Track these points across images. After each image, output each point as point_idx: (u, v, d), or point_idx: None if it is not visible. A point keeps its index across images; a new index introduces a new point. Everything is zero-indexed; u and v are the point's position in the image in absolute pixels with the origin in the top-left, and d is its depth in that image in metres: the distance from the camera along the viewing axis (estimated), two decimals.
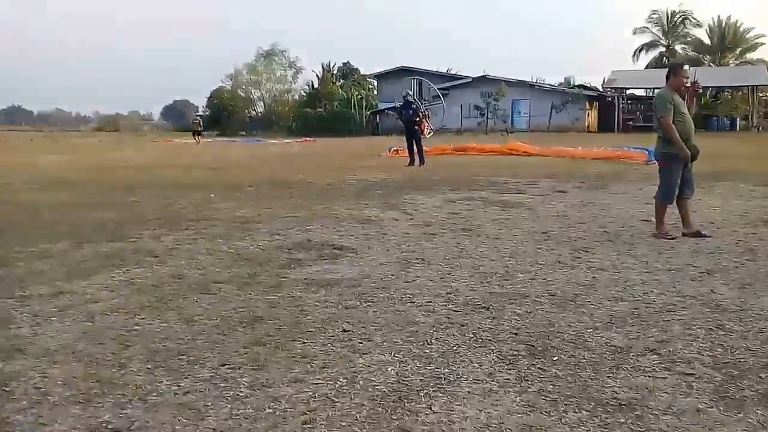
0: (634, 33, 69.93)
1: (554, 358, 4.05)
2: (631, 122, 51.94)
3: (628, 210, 10.27)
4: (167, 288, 5.72)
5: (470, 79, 58.97)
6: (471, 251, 7.26)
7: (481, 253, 7.14)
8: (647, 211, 9.16)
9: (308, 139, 48.64)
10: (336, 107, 65.51)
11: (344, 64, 76.42)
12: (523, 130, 54.57)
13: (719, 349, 4.16)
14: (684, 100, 7.96)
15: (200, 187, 14.14)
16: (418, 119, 19.36)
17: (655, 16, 67.56)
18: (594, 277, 6.03)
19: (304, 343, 4.35)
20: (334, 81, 73.23)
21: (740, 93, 56.01)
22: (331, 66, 74.89)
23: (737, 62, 65.07)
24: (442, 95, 55.97)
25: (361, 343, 4.36)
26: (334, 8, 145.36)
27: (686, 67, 8.42)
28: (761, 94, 55.14)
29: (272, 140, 49.28)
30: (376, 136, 53.75)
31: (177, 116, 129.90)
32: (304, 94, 73.55)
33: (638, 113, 54.78)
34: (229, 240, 7.94)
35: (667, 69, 8.33)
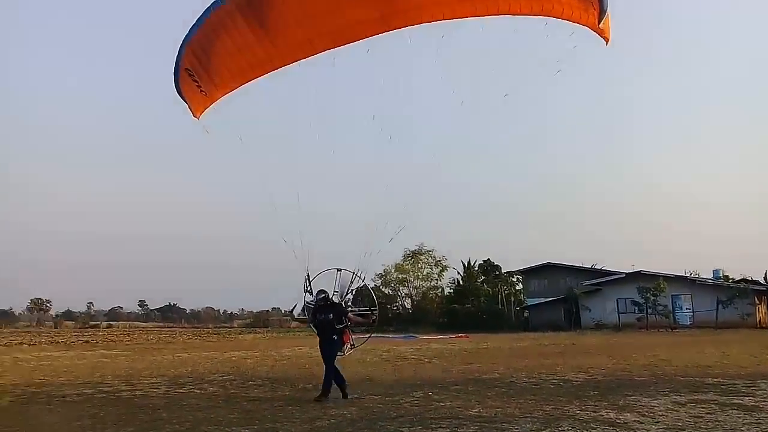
0: None
1: None
2: None
3: None
4: None
5: (624, 275, 58.03)
6: None
7: None
8: None
9: (462, 335, 48.83)
10: (482, 303, 65.92)
11: (485, 261, 78.06)
12: (686, 326, 51.78)
13: None
14: None
15: (418, 386, 14.63)
16: (341, 325, 12.40)
17: None
18: None
19: None
20: (477, 277, 74.50)
21: None
22: (473, 263, 76.72)
23: None
24: (593, 289, 55.67)
25: None
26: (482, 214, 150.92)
27: None
28: None
29: (425, 336, 49.87)
30: (528, 332, 52.94)
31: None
32: (451, 291, 74.91)
33: None
34: None
35: None
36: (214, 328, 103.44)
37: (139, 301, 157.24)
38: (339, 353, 12.50)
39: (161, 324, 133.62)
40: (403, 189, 11.50)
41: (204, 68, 11.11)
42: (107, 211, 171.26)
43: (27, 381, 16.79)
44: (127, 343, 45.28)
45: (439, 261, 76.12)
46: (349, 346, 12.82)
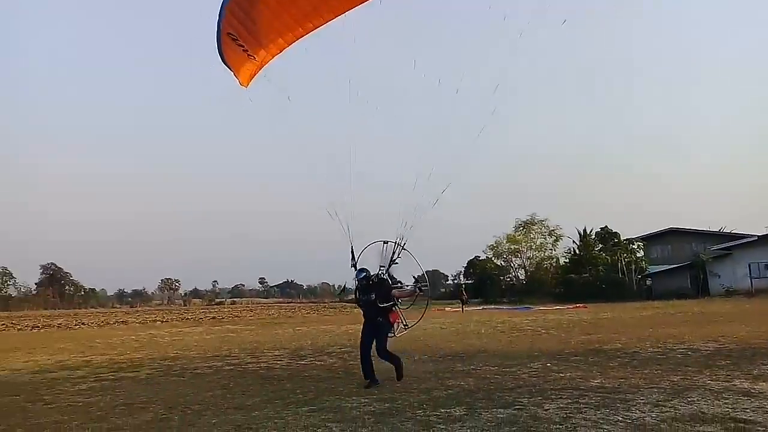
0: None
1: None
2: None
3: None
4: None
5: (756, 238, 54.15)
6: None
7: None
8: None
9: (579, 305, 47.50)
10: (601, 272, 63.70)
11: (602, 228, 75.03)
12: None
13: None
14: None
15: (535, 357, 14.41)
16: (385, 303, 11.04)
17: None
18: None
19: None
20: (594, 246, 71.93)
21: None
22: (589, 231, 74.04)
23: None
24: (722, 253, 52.26)
25: None
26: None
27: None
28: None
29: (540, 307, 48.95)
30: (651, 301, 50.65)
31: (429, 285, 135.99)
32: (566, 261, 72.89)
33: None
34: (615, 410, 7.87)
35: None
36: (330, 302, 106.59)
37: (260, 278, 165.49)
38: (389, 334, 11.31)
39: (281, 299, 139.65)
40: (448, 145, 10.53)
41: (248, 30, 10.19)
42: (232, 192, 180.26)
43: (162, 355, 18.03)
44: (250, 318, 47.63)
45: (553, 230, 74.27)
46: (401, 326, 11.76)
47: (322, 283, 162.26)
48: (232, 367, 14.33)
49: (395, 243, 11.13)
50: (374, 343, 10.91)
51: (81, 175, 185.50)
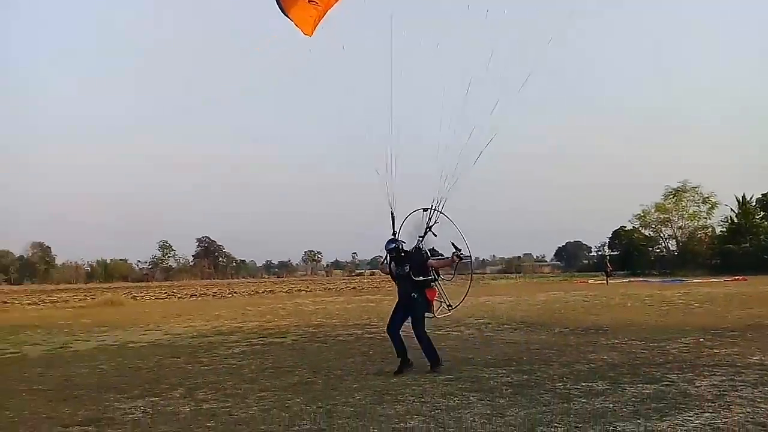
0: None
1: None
2: None
3: None
4: None
5: None
6: None
7: None
8: None
9: (738, 277, 44.08)
10: (763, 242, 58.66)
11: (763, 195, 68.61)
12: None
13: None
14: None
15: (687, 332, 13.61)
16: (422, 278, 9.71)
17: None
18: None
19: None
20: (754, 213, 66.20)
21: None
22: (749, 198, 68.03)
23: None
24: None
25: None
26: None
27: None
28: None
29: (693, 279, 45.94)
30: None
31: (569, 257, 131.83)
32: (723, 230, 67.70)
33: None
34: None
35: None
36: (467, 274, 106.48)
37: None
38: (428, 315, 9.87)
39: None
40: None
41: None
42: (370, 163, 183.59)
43: (306, 323, 18.89)
44: (389, 289, 48.59)
45: (707, 198, 68.87)
46: (443, 306, 10.14)
47: None
48: (371, 335, 14.72)
49: (432, 209, 9.72)
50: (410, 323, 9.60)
51: (234, 156, 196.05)
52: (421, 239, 9.80)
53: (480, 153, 9.33)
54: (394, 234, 9.85)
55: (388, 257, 9.99)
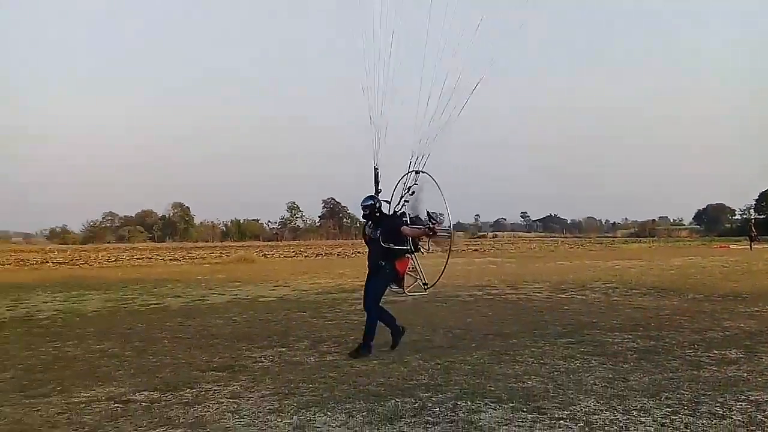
0: None
1: None
2: None
3: None
4: None
5: None
6: None
7: None
8: None
9: None
10: None
11: None
12: None
13: None
14: None
15: None
16: (392, 246, 8.26)
17: None
18: None
19: None
20: None
21: None
22: None
23: None
24: None
25: None
26: None
27: None
28: None
29: None
30: None
31: (710, 221, 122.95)
32: None
33: None
34: None
35: None
36: (596, 237, 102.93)
37: (522, 212, 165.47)
38: (395, 289, 8.55)
39: (542, 234, 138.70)
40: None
41: None
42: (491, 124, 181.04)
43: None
44: (511, 251, 48.06)
45: None
46: (419, 282, 8.82)
47: (588, 217, 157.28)
48: (491, 297, 14.65)
49: (415, 171, 8.57)
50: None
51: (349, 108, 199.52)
52: (406, 202, 8.66)
53: (467, 99, 8.16)
54: (377, 192, 8.60)
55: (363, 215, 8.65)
